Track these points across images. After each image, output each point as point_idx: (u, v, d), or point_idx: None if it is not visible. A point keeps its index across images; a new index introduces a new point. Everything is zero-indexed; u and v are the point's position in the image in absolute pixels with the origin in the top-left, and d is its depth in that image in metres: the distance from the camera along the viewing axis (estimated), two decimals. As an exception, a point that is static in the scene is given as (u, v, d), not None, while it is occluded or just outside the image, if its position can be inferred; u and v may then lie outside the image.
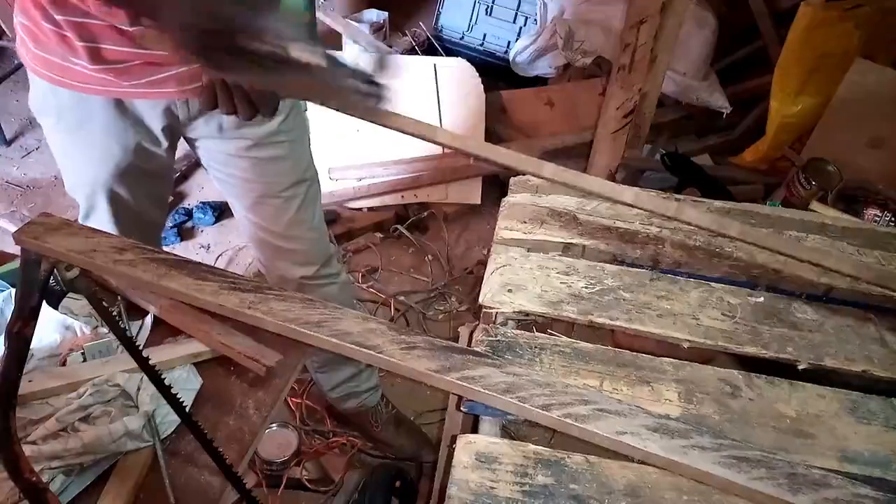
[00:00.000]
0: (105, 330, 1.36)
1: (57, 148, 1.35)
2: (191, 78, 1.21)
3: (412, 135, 0.85)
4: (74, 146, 1.30)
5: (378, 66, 0.82)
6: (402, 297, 2.49)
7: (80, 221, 1.46)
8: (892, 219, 2.16)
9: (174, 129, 1.33)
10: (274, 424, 1.88)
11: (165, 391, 1.07)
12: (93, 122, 1.25)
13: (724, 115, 2.95)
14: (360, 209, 2.72)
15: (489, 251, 1.03)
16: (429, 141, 0.86)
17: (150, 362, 1.02)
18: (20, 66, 3.24)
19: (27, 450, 1.01)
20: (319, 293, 1.59)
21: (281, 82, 0.82)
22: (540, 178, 0.84)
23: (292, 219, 1.45)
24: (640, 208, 0.84)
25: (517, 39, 3.22)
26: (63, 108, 1.24)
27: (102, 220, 1.41)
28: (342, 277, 1.65)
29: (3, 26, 3.28)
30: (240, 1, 0.77)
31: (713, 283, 0.99)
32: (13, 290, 1.37)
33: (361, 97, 0.81)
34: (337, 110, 0.86)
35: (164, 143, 1.34)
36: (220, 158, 1.38)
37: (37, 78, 1.23)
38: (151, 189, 1.46)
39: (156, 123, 1.29)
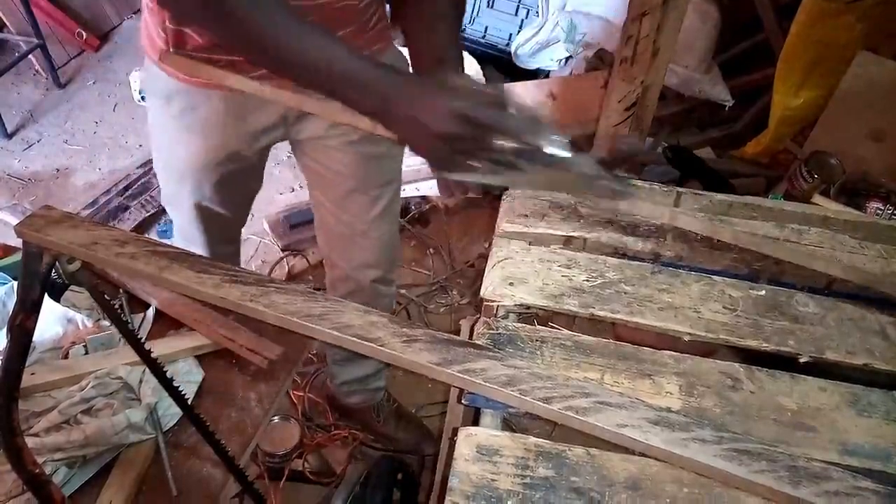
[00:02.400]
0: (107, 323, 1.37)
1: (158, 128, 1.34)
2: None
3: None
4: (176, 131, 1.29)
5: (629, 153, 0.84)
6: (403, 291, 2.49)
7: (167, 206, 1.49)
8: (895, 212, 2.15)
9: (280, 129, 1.31)
10: (276, 417, 1.88)
11: (167, 384, 1.07)
12: (200, 111, 1.24)
13: (727, 108, 2.94)
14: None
15: (490, 244, 1.03)
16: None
17: (152, 355, 1.03)
18: (21, 58, 3.24)
19: (30, 442, 1.01)
20: (381, 301, 1.61)
21: (522, 178, 0.81)
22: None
23: (376, 217, 1.44)
24: (637, 215, 0.85)
25: (519, 32, 3.20)
26: (172, 92, 1.23)
27: (184, 207, 1.40)
28: (395, 287, 1.68)
29: (4, 18, 3.28)
30: (489, 99, 0.78)
31: (714, 277, 0.99)
32: (15, 283, 1.37)
33: (606, 190, 0.82)
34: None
35: (264, 141, 1.33)
36: (319, 150, 1.36)
37: (153, 65, 1.22)
38: (239, 187, 1.45)
39: (263, 122, 1.27)
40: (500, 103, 0.78)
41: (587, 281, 0.96)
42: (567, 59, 3.16)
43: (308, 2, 1.04)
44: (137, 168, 2.95)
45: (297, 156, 1.45)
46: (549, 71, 3.22)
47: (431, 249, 2.66)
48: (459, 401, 0.83)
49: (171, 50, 1.12)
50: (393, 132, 0.85)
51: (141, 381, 1.25)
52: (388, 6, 1.23)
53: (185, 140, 1.29)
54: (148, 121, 1.36)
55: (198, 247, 1.45)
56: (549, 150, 0.77)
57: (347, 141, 1.31)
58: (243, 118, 1.25)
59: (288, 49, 0.85)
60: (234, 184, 1.40)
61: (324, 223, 1.52)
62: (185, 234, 1.46)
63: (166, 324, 1.40)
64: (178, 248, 0.83)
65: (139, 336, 1.03)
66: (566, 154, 0.77)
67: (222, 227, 1.49)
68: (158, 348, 1.25)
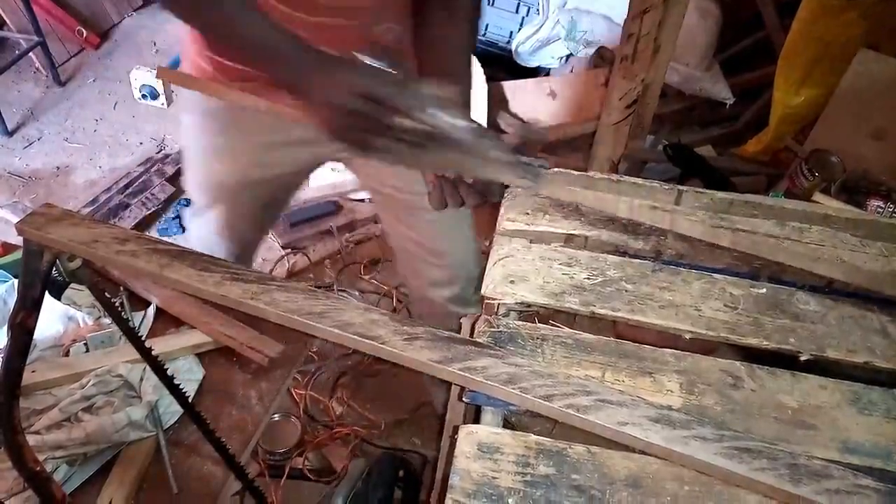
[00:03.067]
0: (108, 320, 1.37)
1: (195, 146, 1.34)
2: None
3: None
4: (213, 148, 1.29)
5: (526, 138, 0.84)
6: (403, 289, 2.49)
7: (188, 217, 1.49)
8: (895, 210, 2.15)
9: (317, 147, 1.29)
10: (277, 415, 1.88)
11: (168, 381, 1.07)
12: (238, 128, 1.24)
13: (727, 106, 2.94)
14: (361, 200, 2.72)
15: (491, 242, 1.03)
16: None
17: (153, 353, 1.03)
18: (21, 56, 3.24)
19: (31, 440, 1.01)
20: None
21: (426, 159, 0.83)
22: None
23: (445, 234, 1.41)
24: (635, 220, 0.85)
25: (519, 29, 3.20)
26: (211, 112, 1.23)
27: (216, 222, 1.40)
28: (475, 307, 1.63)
29: (4, 16, 3.28)
30: (390, 79, 0.80)
31: (715, 275, 0.99)
32: (16, 281, 1.37)
33: (513, 172, 0.83)
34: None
35: (302, 160, 1.32)
36: (371, 168, 1.34)
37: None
38: (271, 207, 1.45)
39: (303, 135, 1.25)
40: (402, 82, 0.80)
41: (588, 279, 0.96)
42: (568, 56, 3.15)
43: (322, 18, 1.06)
44: (138, 166, 2.96)
45: (357, 178, 1.44)
46: (549, 69, 3.22)
47: (432, 247, 2.66)
48: (460, 399, 0.83)
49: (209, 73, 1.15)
50: (304, 106, 0.87)
51: (141, 379, 1.25)
52: None
53: (225, 158, 1.29)
54: (181, 138, 1.36)
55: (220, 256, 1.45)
56: (449, 130, 0.78)
57: None
58: (280, 134, 1.24)
59: (224, 23, 0.91)
60: (269, 202, 1.41)
61: (395, 242, 1.49)
62: (209, 244, 1.44)
63: (167, 322, 1.41)
64: (178, 246, 0.83)
65: (140, 334, 1.03)
66: (468, 136, 0.78)
67: (249, 239, 1.50)
68: (159, 346, 1.25)
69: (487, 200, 0.99)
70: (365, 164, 1.35)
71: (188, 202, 2.80)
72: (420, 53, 1.12)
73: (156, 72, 1.09)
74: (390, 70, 0.83)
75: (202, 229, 1.45)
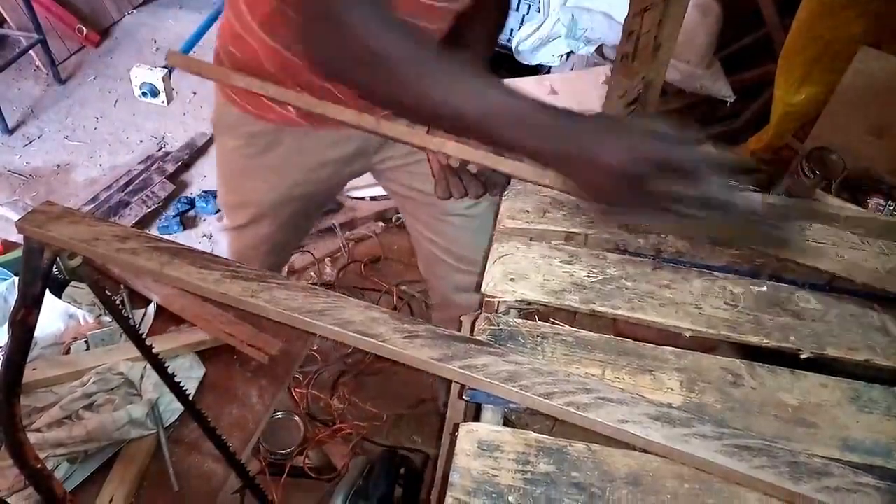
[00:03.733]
0: (108, 318, 1.37)
1: (232, 168, 1.34)
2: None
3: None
4: (255, 170, 1.29)
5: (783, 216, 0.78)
6: (404, 287, 2.49)
7: (225, 231, 1.47)
8: (896, 208, 2.15)
9: (360, 160, 1.30)
10: (279, 413, 1.88)
11: (169, 379, 1.07)
12: (280, 149, 1.23)
13: (728, 104, 2.94)
14: (362, 198, 2.72)
15: (491, 240, 1.03)
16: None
17: (154, 351, 1.03)
18: (21, 54, 3.24)
19: (32, 437, 1.02)
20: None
21: (700, 227, 0.76)
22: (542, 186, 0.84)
23: (471, 238, 1.41)
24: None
25: (520, 27, 3.20)
26: (253, 135, 1.23)
27: (252, 238, 1.41)
28: None
29: (4, 14, 3.28)
30: (678, 143, 0.73)
31: (716, 272, 0.99)
32: (16, 279, 1.37)
33: (774, 241, 0.80)
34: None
35: (344, 174, 1.32)
36: (403, 174, 1.35)
37: (228, 103, 1.21)
38: (308, 218, 1.46)
39: (343, 153, 1.26)
40: (688, 146, 0.73)
41: (588, 277, 0.96)
42: (568, 54, 3.15)
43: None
44: (138, 164, 2.96)
45: (382, 184, 1.44)
46: (549, 67, 3.21)
47: (432, 245, 2.66)
48: (460, 396, 0.83)
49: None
50: (565, 174, 0.80)
51: (142, 377, 1.25)
52: None
53: (263, 178, 1.29)
54: (216, 157, 1.36)
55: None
56: (726, 198, 0.71)
57: None
58: (321, 154, 1.25)
59: (452, 106, 0.78)
60: (307, 214, 1.42)
61: (420, 247, 1.50)
62: (244, 256, 1.45)
63: (167, 320, 1.41)
64: (179, 244, 0.83)
65: (140, 332, 1.03)
66: (743, 203, 0.71)
67: (285, 250, 1.52)
68: (159, 344, 1.25)
69: (490, 192, 0.99)
70: (398, 174, 1.35)
71: (189, 200, 2.81)
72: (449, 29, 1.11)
73: (166, 56, 1.06)
74: (677, 133, 0.74)
75: (235, 243, 1.46)
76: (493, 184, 1.00)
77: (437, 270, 1.52)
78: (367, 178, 1.45)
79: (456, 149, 0.88)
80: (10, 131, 3.11)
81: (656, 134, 0.73)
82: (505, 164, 0.86)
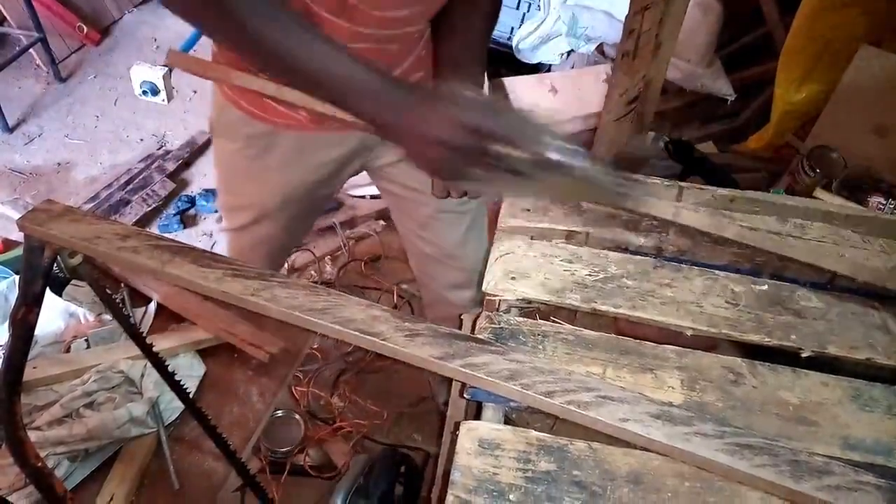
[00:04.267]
0: (109, 317, 1.37)
1: (232, 170, 1.33)
2: None
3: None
4: (255, 171, 1.28)
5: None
6: (404, 285, 2.49)
7: (225, 232, 1.47)
8: (896, 206, 2.15)
9: (359, 159, 1.31)
10: (279, 411, 1.88)
11: (169, 378, 1.07)
12: (280, 150, 1.23)
13: (729, 103, 2.94)
14: (362, 196, 2.72)
15: (492, 239, 1.03)
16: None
17: (154, 349, 1.03)
18: (22, 52, 3.23)
19: (32, 436, 1.01)
20: None
21: (532, 188, 0.80)
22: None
23: (463, 236, 1.42)
24: (640, 213, 0.85)
25: (521, 25, 3.20)
26: (253, 136, 1.22)
27: (253, 238, 1.41)
28: None
29: (4, 12, 3.27)
30: (494, 109, 0.77)
31: (717, 271, 0.99)
32: (17, 277, 1.37)
33: (619, 196, 0.81)
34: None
35: (344, 174, 1.32)
36: (397, 171, 1.35)
37: (229, 104, 1.21)
38: (308, 218, 1.46)
39: (342, 153, 1.26)
40: (505, 112, 0.77)
41: (589, 275, 0.96)
42: (569, 53, 3.15)
43: (365, 30, 1.02)
44: (139, 162, 2.95)
45: (375, 181, 1.44)
46: (550, 65, 3.21)
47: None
48: (461, 395, 0.83)
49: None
50: (396, 143, 0.83)
51: (142, 376, 1.25)
52: None
53: (264, 179, 1.29)
54: (214, 160, 1.35)
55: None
56: (557, 158, 0.75)
57: None
58: (321, 153, 1.24)
59: (291, 56, 0.81)
60: (307, 215, 1.42)
61: (412, 246, 1.50)
62: (244, 257, 1.43)
63: (168, 318, 1.41)
64: (179, 243, 0.83)
65: (141, 330, 1.03)
66: (576, 162, 0.76)
67: (283, 250, 1.52)
68: (160, 342, 1.25)
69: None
70: (392, 171, 1.35)
71: (189, 199, 2.81)
72: (438, 40, 1.12)
73: (166, 55, 1.05)
74: (493, 99, 0.79)
75: (235, 244, 1.46)
76: None
77: (429, 269, 1.52)
78: (368, 176, 1.45)
79: None
80: (11, 130, 3.10)
81: (477, 102, 0.77)
82: None
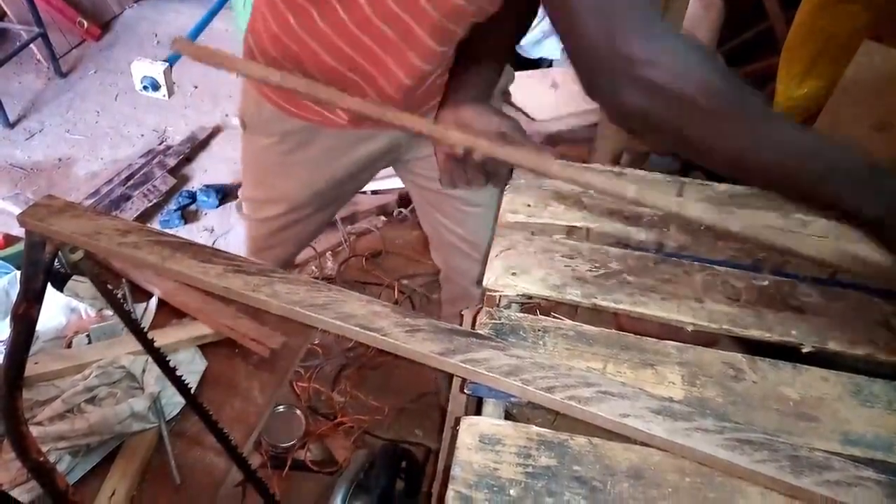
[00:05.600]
0: (110, 312, 1.37)
1: (263, 164, 1.33)
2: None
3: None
4: (289, 167, 1.29)
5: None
6: (405, 281, 2.49)
7: (247, 219, 1.48)
8: (898, 202, 2.14)
9: (390, 154, 1.31)
10: (281, 406, 1.89)
11: (170, 373, 1.07)
12: (315, 146, 1.23)
13: (730, 98, 2.93)
14: (363, 192, 2.72)
15: (493, 234, 1.03)
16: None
17: (155, 344, 1.03)
18: (22, 47, 3.23)
19: (34, 431, 1.02)
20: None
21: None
22: (544, 175, 0.84)
23: (491, 230, 1.42)
24: (643, 205, 0.84)
25: (522, 21, 3.19)
26: (289, 133, 1.23)
27: (276, 228, 1.41)
28: None
29: (5, 7, 3.27)
30: None
31: (718, 267, 0.99)
32: (18, 273, 1.37)
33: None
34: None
35: (374, 168, 1.33)
36: (429, 165, 1.33)
37: (262, 99, 1.20)
38: (333, 211, 1.47)
39: (376, 149, 1.27)
40: None
41: (590, 271, 0.96)
42: (570, 48, 3.14)
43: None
44: (139, 157, 2.96)
45: (403, 177, 1.44)
46: (552, 60, 3.21)
47: (434, 239, 2.66)
48: (462, 390, 0.83)
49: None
50: (880, 238, 0.73)
51: (144, 371, 1.25)
52: None
53: (296, 174, 1.29)
54: (242, 155, 1.36)
55: (271, 258, 1.47)
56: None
57: None
58: (354, 149, 1.25)
59: (758, 152, 0.70)
60: (333, 207, 1.43)
61: (442, 241, 1.50)
62: (264, 244, 1.46)
63: (169, 313, 1.41)
64: (180, 238, 0.83)
65: (142, 325, 1.03)
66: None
67: (305, 240, 1.53)
68: (161, 338, 1.25)
69: (492, 182, 0.98)
70: (424, 165, 1.35)
71: (190, 194, 2.81)
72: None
73: (172, 42, 1.04)
74: None
75: (255, 231, 1.47)
76: (495, 174, 1.00)
77: (457, 264, 1.52)
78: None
79: (460, 138, 0.88)
80: (12, 125, 3.11)
81: None
82: (508, 155, 0.86)
